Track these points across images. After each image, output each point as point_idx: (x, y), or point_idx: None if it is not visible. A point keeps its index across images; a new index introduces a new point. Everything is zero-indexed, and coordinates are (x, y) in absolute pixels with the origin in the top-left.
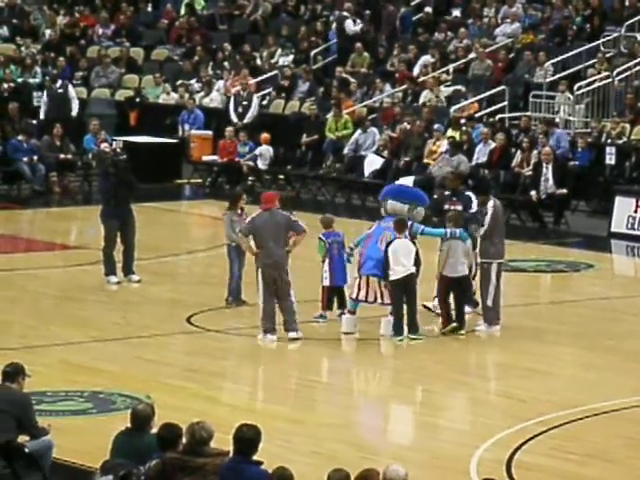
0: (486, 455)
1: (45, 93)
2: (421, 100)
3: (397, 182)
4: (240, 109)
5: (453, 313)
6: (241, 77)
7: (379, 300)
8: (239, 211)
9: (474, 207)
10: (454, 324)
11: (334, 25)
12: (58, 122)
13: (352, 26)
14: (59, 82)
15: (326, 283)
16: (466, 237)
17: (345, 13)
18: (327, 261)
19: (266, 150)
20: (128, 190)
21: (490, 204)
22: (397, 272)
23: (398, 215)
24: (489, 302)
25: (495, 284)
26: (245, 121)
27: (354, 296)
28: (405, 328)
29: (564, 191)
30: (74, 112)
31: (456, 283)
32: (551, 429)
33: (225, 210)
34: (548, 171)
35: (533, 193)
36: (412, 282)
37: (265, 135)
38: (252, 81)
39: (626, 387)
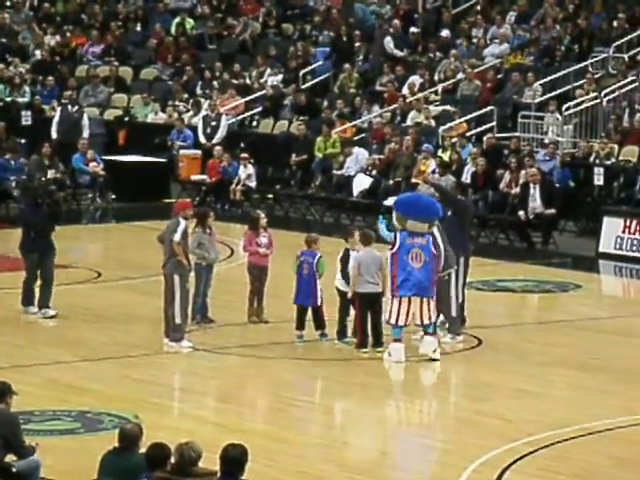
0: (474, 476)
1: (58, 114)
2: (409, 120)
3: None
4: (209, 130)
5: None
6: (229, 96)
7: (417, 321)
8: (208, 230)
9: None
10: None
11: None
12: (68, 145)
13: (392, 46)
14: (76, 107)
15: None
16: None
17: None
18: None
19: (250, 168)
20: (53, 222)
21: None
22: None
23: (420, 232)
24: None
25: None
26: (214, 142)
27: (393, 321)
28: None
29: (552, 211)
30: (84, 135)
31: (367, 299)
32: (539, 449)
33: (194, 229)
34: (536, 191)
35: (521, 213)
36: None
37: (244, 154)
38: (241, 101)
39: (614, 407)
